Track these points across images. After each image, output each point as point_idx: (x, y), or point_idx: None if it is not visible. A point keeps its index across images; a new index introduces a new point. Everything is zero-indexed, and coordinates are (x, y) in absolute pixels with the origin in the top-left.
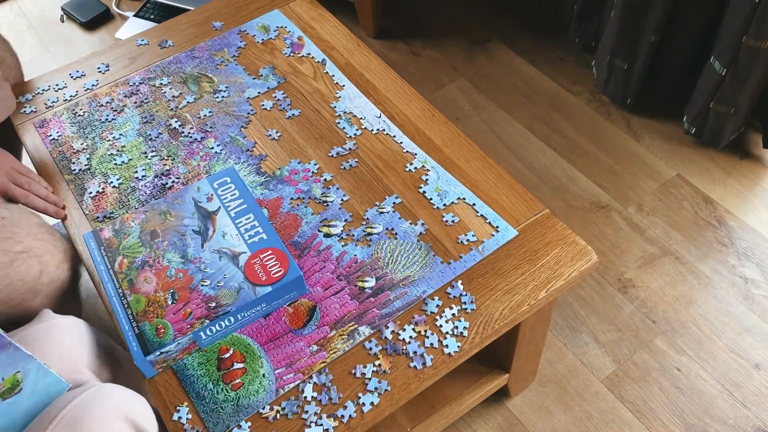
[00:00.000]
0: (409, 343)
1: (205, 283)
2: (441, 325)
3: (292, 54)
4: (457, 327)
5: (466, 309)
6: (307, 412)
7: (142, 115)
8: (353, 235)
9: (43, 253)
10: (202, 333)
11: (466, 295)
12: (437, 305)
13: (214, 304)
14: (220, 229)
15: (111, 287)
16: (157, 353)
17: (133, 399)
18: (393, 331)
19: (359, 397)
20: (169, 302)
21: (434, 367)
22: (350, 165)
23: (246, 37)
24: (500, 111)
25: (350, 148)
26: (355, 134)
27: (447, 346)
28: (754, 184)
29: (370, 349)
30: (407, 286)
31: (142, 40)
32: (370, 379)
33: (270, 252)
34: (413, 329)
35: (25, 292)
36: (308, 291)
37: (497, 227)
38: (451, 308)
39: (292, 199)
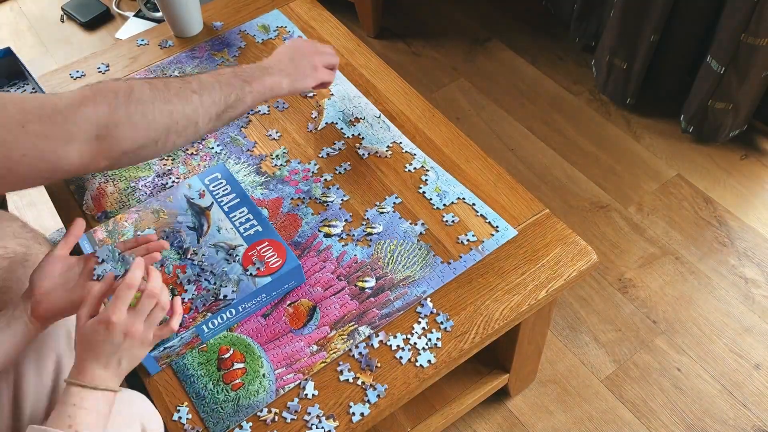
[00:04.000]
0: (401, 349)
1: (205, 278)
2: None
3: None
4: (434, 337)
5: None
6: (309, 413)
7: None
8: (353, 235)
9: (30, 253)
10: (204, 326)
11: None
12: (431, 311)
13: (214, 298)
14: (214, 224)
15: None
16: (161, 349)
17: (149, 408)
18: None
19: (360, 397)
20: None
21: (434, 367)
22: (345, 169)
23: (246, 37)
24: (500, 111)
25: (339, 149)
26: (347, 137)
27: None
28: (754, 184)
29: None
30: (407, 286)
31: (142, 40)
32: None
33: (267, 243)
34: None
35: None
36: (308, 289)
37: (497, 227)
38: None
39: (292, 199)
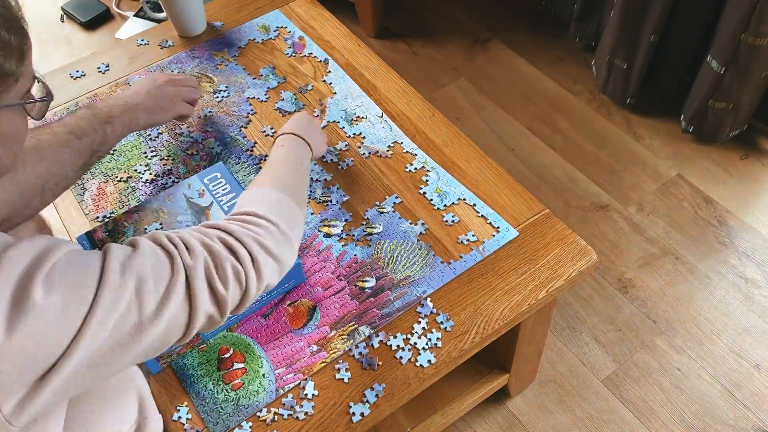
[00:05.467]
0: (401, 349)
1: None
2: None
3: (293, 54)
4: (434, 337)
5: (445, 327)
6: (307, 413)
7: None
8: (353, 235)
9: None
10: None
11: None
12: (431, 311)
13: None
14: None
15: None
16: None
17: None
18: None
19: (360, 397)
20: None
21: (434, 367)
22: (345, 168)
23: (246, 37)
24: (500, 111)
25: (340, 148)
26: (348, 136)
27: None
28: (754, 184)
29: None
30: (407, 286)
31: (142, 40)
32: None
33: None
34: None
35: None
36: (308, 288)
37: (498, 228)
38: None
39: None
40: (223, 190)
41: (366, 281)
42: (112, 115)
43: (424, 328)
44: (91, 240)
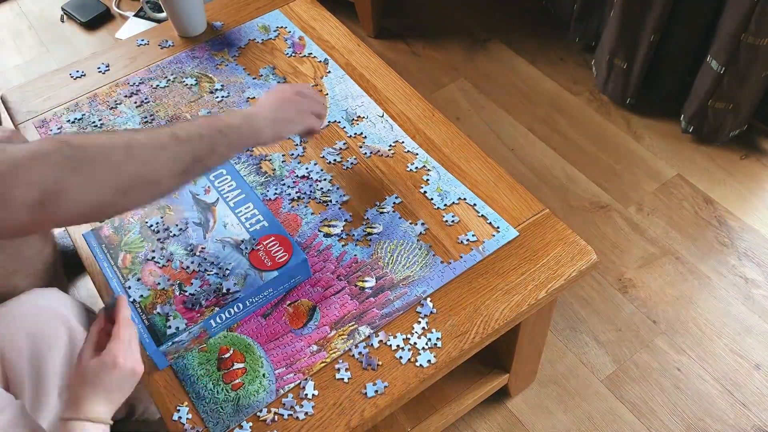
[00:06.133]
0: (401, 349)
1: (211, 273)
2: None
3: (293, 54)
4: (431, 339)
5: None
6: (307, 413)
7: (142, 115)
8: (353, 235)
9: None
10: (212, 321)
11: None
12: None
13: (222, 292)
14: (220, 220)
15: (117, 283)
16: (169, 343)
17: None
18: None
19: (359, 398)
20: (177, 293)
21: (434, 367)
22: (345, 168)
23: (246, 37)
24: (500, 111)
25: (341, 148)
26: (349, 136)
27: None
28: (755, 184)
29: (360, 353)
30: (407, 286)
31: (142, 40)
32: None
33: (273, 238)
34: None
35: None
36: (308, 288)
37: (498, 228)
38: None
39: (292, 199)
40: (228, 186)
41: (366, 281)
42: (230, 123)
43: (424, 328)
44: (97, 237)
